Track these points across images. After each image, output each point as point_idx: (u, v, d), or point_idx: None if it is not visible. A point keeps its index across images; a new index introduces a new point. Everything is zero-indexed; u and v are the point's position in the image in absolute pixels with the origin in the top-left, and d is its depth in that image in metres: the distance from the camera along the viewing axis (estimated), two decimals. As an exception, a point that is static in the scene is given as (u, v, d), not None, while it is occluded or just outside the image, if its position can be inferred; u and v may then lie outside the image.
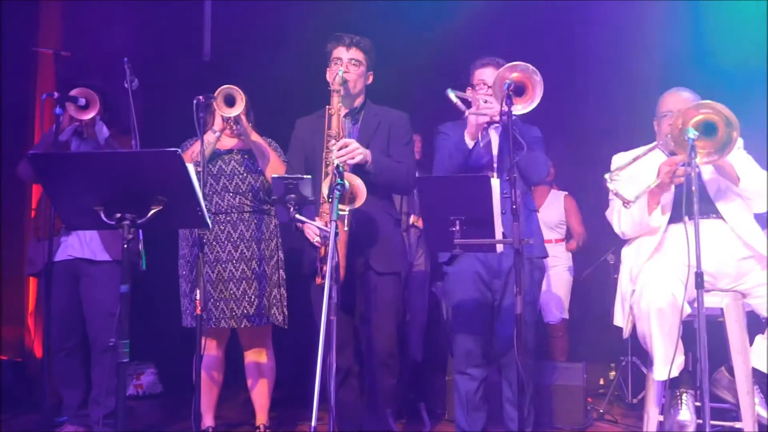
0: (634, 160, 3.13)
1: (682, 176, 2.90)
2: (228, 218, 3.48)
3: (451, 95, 3.09)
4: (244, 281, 3.46)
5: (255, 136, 3.45)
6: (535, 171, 3.17)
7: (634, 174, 3.16)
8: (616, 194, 3.05)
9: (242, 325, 3.45)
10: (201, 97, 3.13)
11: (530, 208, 3.26)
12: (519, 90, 2.87)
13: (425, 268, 4.67)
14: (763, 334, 3.05)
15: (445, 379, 4.08)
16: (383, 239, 3.17)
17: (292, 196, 2.74)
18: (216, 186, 3.48)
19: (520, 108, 2.86)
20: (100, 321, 3.49)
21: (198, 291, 3.10)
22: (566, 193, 5.29)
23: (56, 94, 3.37)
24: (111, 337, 2.37)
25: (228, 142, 3.57)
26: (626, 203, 3.04)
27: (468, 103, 3.18)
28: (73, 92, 3.37)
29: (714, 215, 3.11)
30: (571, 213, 5.27)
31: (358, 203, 2.90)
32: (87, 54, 4.39)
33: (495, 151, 3.24)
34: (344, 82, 3.11)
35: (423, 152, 4.65)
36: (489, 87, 3.11)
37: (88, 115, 3.39)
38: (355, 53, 3.20)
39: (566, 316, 5.18)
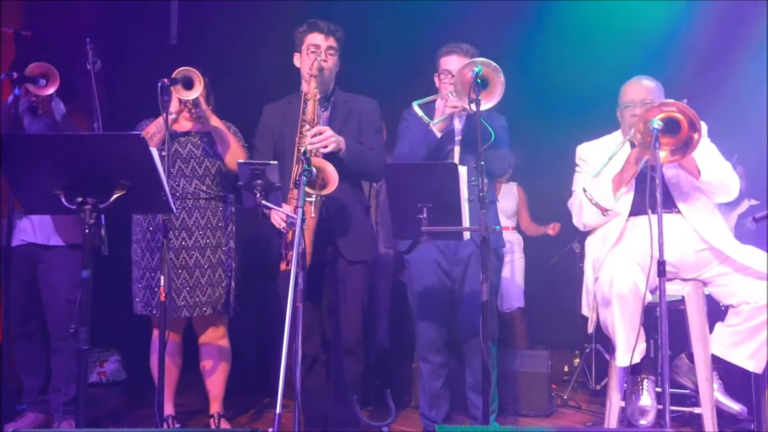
0: (609, 160, 3.14)
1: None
2: (183, 204, 3.41)
3: (417, 109, 3.09)
4: (197, 269, 3.40)
5: (215, 120, 3.37)
6: (498, 166, 3.19)
7: (599, 163, 3.20)
8: (596, 204, 3.07)
9: (195, 314, 3.40)
10: (166, 80, 3.07)
11: (490, 199, 3.27)
12: (483, 83, 2.83)
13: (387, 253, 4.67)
14: (722, 321, 3.11)
15: (412, 366, 4.09)
16: (354, 227, 3.17)
17: (259, 181, 2.71)
18: (171, 170, 3.37)
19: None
20: (58, 307, 3.43)
21: (162, 278, 3.05)
22: (516, 183, 5.43)
23: (15, 75, 3.28)
24: (69, 323, 2.33)
25: (185, 125, 3.49)
26: (605, 212, 3.09)
27: (432, 110, 3.16)
28: (31, 66, 3.25)
29: (675, 210, 3.15)
30: (522, 203, 5.45)
31: (329, 190, 2.88)
32: (49, 34, 4.27)
33: (458, 138, 3.23)
34: (321, 69, 3.09)
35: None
36: (453, 75, 3.09)
37: (48, 91, 3.28)
38: (332, 41, 3.18)
39: (522, 304, 5.26)
